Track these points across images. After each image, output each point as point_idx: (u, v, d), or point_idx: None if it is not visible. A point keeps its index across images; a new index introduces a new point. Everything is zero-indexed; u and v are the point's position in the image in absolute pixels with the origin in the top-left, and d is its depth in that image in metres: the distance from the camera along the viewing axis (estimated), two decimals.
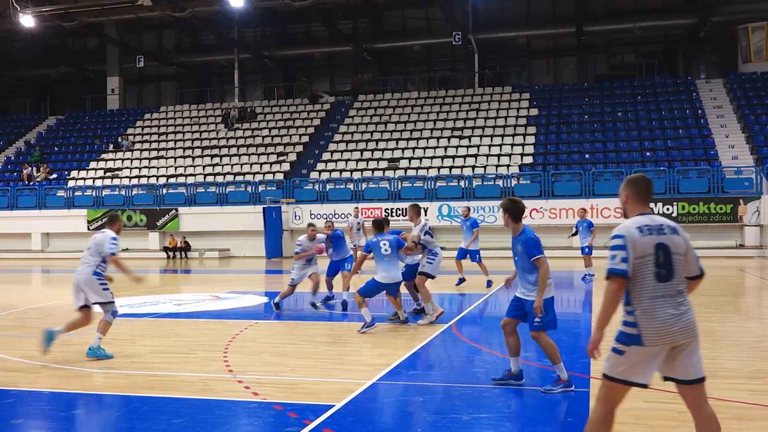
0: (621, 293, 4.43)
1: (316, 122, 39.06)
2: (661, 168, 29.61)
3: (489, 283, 16.41)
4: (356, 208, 25.73)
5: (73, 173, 37.68)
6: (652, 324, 4.39)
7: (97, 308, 8.99)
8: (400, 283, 11.17)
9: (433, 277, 11.64)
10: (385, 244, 10.68)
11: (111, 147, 39.90)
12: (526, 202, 26.90)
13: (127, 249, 33.32)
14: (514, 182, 30.14)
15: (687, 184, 28.31)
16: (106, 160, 38.68)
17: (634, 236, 4.46)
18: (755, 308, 13.66)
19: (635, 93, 36.93)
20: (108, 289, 9.05)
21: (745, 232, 27.23)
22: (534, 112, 36.24)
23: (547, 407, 6.64)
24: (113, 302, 9.09)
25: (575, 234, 18.96)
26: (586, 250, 18.35)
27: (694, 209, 27.68)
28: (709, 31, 38.78)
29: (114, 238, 9.04)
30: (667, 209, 27.91)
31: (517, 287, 7.34)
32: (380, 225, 11.04)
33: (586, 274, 18.28)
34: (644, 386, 4.53)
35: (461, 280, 16.77)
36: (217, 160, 36.87)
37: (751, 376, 7.69)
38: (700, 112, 34.16)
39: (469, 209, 18.16)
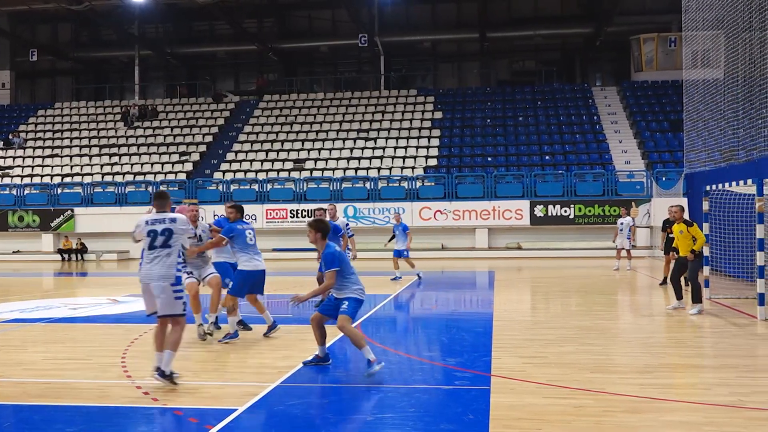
0: None
1: (220, 122, 38.41)
2: (560, 171, 30.64)
3: (398, 277, 18.26)
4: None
5: None
6: None
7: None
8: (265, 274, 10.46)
9: None
10: (250, 233, 10.03)
11: (1, 144, 38.01)
12: (430, 204, 27.51)
13: (18, 251, 31.85)
14: (418, 184, 30.53)
15: (583, 187, 29.41)
16: None
17: None
18: (646, 306, 14.32)
19: (535, 98, 38.09)
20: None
21: (637, 233, 28.50)
22: (438, 115, 36.82)
23: (448, 405, 6.75)
24: None
25: (392, 238, 19.12)
26: (405, 253, 18.64)
27: (589, 211, 28.78)
28: (604, 40, 40.43)
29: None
30: (565, 211, 28.90)
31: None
32: (242, 210, 10.30)
33: (396, 276, 18.54)
34: None
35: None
36: (116, 159, 35.72)
37: (641, 371, 8.04)
38: (595, 118, 35.57)
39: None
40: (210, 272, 10.26)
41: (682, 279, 12.73)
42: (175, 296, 7.34)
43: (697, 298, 12.25)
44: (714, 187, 14.59)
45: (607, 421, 6.19)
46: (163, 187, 31.92)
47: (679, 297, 12.71)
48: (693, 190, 21.97)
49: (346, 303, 7.89)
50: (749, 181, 12.54)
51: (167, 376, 7.20)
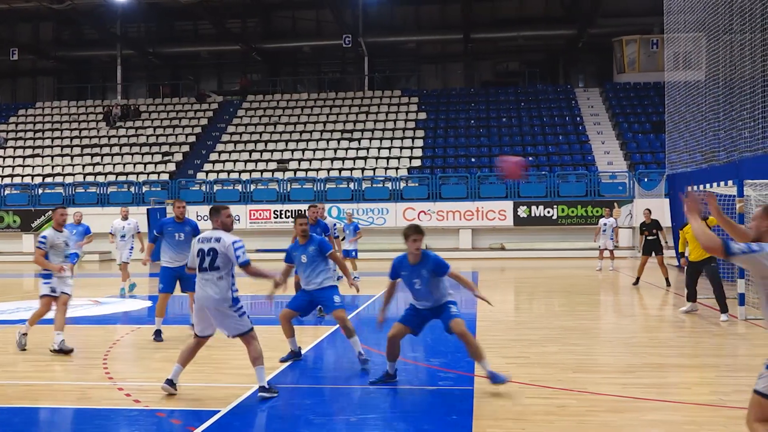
0: None
1: (203, 122, 38.24)
2: (543, 172, 30.75)
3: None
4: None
5: None
6: None
7: None
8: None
9: None
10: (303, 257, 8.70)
11: None
12: (414, 205, 27.32)
13: None
14: (402, 184, 30.55)
15: (566, 188, 29.54)
16: None
17: None
18: (628, 306, 14.41)
19: (518, 99, 38.21)
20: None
21: (619, 234, 28.67)
22: (422, 116, 36.84)
23: (432, 406, 6.76)
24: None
25: (344, 238, 19.05)
26: (353, 253, 18.55)
27: (572, 212, 28.91)
28: (587, 41, 40.63)
29: (237, 241, 6.97)
30: (548, 212, 29.00)
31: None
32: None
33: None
34: None
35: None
36: (98, 159, 35.46)
37: (623, 371, 8.09)
38: (578, 119, 35.73)
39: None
40: (66, 290, 9.62)
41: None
42: (238, 315, 6.89)
43: (726, 308, 11.51)
44: (695, 188, 14.70)
45: (590, 420, 6.22)
46: (145, 188, 31.73)
47: (695, 299, 12.27)
48: (674, 191, 22.12)
49: (455, 306, 7.39)
50: (730, 182, 12.65)
51: (267, 389, 6.91)
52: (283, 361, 8.56)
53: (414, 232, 7.25)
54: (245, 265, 6.84)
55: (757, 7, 16.34)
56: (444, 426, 6.11)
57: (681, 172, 21.40)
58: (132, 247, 17.13)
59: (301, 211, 9.73)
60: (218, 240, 6.90)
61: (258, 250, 29.24)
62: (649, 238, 17.04)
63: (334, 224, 14.14)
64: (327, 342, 10.12)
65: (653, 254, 16.95)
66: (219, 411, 6.50)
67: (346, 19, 39.94)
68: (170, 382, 7.04)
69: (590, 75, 44.67)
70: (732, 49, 18.28)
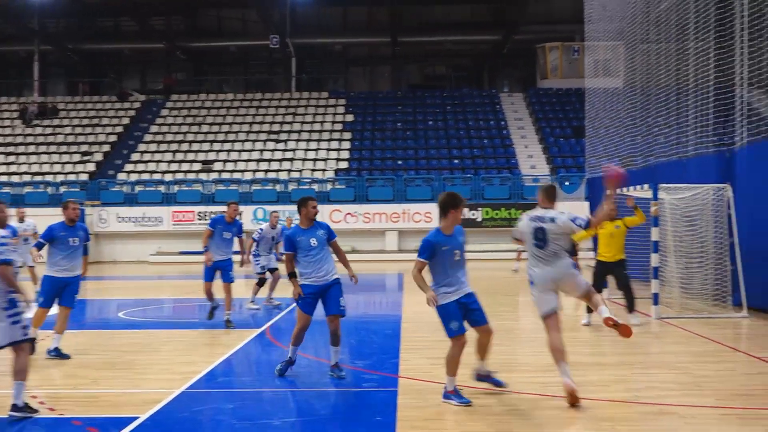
0: None
1: (125, 121, 37.29)
2: (468, 175, 31.19)
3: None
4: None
5: None
6: None
7: None
8: None
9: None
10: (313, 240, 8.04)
11: None
12: (340, 207, 27.02)
13: None
14: (329, 186, 30.50)
15: (491, 191, 30.04)
16: None
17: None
18: None
19: (445, 103, 38.65)
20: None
21: None
22: (350, 118, 36.87)
23: (356, 408, 6.77)
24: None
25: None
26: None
27: (497, 214, 29.40)
28: (511, 48, 41.43)
29: (2, 237, 6.62)
30: (473, 214, 29.39)
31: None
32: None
33: None
34: None
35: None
36: (12, 158, 34.13)
37: (544, 370, 8.26)
38: (502, 123, 36.39)
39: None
40: None
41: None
42: (11, 321, 6.43)
43: (634, 307, 11.60)
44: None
45: (511, 419, 6.34)
46: (63, 189, 30.79)
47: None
48: (594, 194, 22.77)
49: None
50: (646, 186, 13.10)
51: (21, 409, 6.38)
52: (280, 371, 7.92)
53: (462, 201, 6.78)
54: None
55: (672, 18, 17.01)
56: (368, 427, 6.13)
57: (600, 175, 22.03)
58: None
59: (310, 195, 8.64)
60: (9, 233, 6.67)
61: (181, 252, 28.71)
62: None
63: (241, 223, 13.14)
64: (252, 345, 10.01)
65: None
66: (138, 417, 6.35)
67: (273, 20, 39.64)
68: (18, 407, 6.41)
69: (515, 80, 45.54)
70: (648, 57, 18.96)
